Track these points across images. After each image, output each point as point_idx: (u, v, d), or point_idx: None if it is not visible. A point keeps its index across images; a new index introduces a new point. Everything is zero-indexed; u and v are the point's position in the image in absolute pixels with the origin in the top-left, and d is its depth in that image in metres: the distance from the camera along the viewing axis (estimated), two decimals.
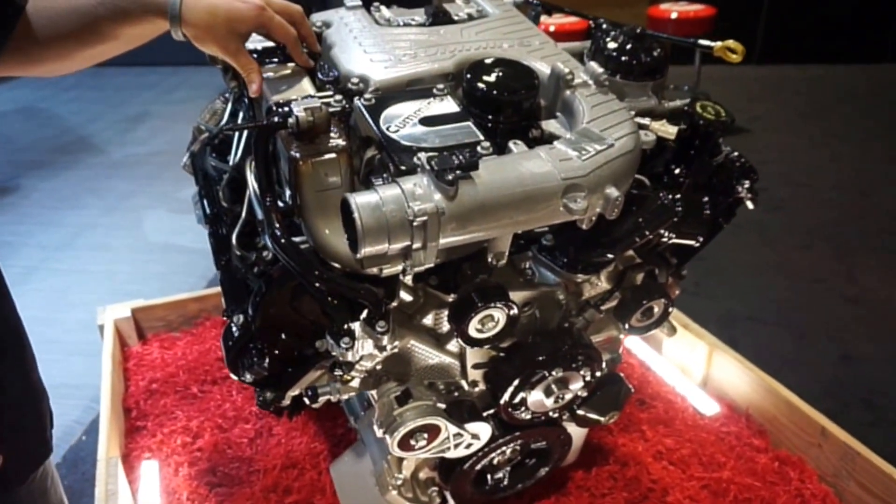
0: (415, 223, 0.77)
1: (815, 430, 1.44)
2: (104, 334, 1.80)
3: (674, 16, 4.71)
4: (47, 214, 3.84)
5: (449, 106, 0.95)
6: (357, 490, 1.23)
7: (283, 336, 0.97)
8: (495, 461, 1.20)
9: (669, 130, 0.99)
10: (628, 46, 1.06)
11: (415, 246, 0.79)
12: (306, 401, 1.00)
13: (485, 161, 0.82)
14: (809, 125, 4.80)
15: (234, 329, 0.97)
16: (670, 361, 1.79)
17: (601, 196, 0.85)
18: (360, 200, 0.77)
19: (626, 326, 1.08)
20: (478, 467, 1.17)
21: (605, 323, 1.14)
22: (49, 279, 3.23)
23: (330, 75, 0.98)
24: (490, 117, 0.95)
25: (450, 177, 0.77)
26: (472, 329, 0.92)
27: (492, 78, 0.95)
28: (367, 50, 1.03)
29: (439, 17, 1.13)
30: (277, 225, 0.85)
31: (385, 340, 0.90)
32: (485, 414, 1.07)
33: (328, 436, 1.57)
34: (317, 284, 0.84)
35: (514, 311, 0.93)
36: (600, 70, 0.98)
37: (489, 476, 1.23)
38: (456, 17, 1.14)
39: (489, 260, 0.93)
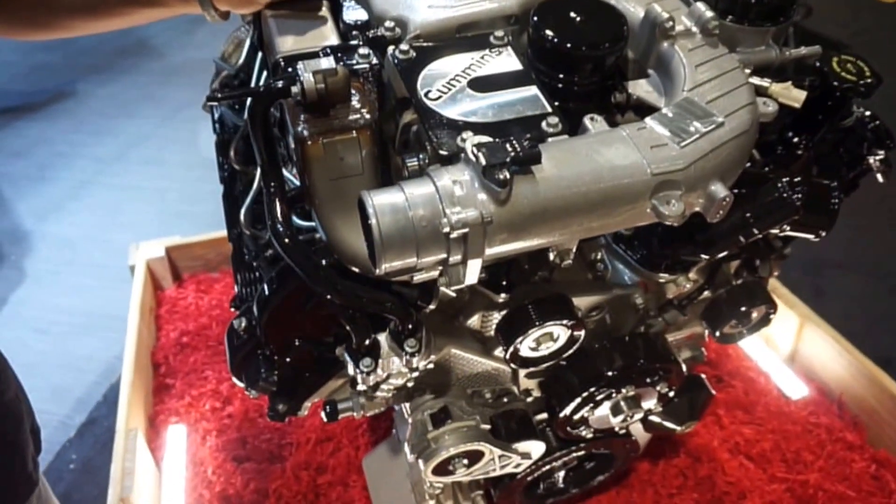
0: (452, 235, 0.57)
1: None
2: (134, 277, 1.68)
3: None
4: (103, 123, 3.73)
5: (509, 62, 0.73)
6: (391, 492, 1.09)
7: (297, 341, 0.80)
8: (549, 470, 1.03)
9: (795, 96, 0.75)
10: None
11: (452, 260, 0.59)
12: (323, 416, 0.84)
13: (550, 147, 0.61)
14: None
15: (237, 332, 0.80)
16: None
17: (703, 195, 0.63)
18: (381, 201, 0.58)
19: (717, 334, 0.87)
20: (530, 479, 1.00)
21: (687, 319, 0.93)
22: (100, 195, 3.06)
23: (357, 18, 0.76)
24: (561, 76, 0.72)
25: (501, 175, 0.56)
26: (526, 348, 0.74)
27: (566, 24, 0.72)
28: None
29: None
30: (281, 219, 0.66)
31: (416, 361, 0.72)
32: (538, 423, 0.89)
33: None
34: (329, 296, 0.66)
35: (579, 330, 0.73)
36: (709, 14, 0.74)
37: (541, 483, 1.07)
38: None
39: (551, 258, 0.73)
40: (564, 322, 0.72)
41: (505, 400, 0.93)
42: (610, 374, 0.82)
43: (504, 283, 0.78)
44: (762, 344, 1.52)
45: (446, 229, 0.56)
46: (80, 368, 2.12)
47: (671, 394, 0.89)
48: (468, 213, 0.57)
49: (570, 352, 0.82)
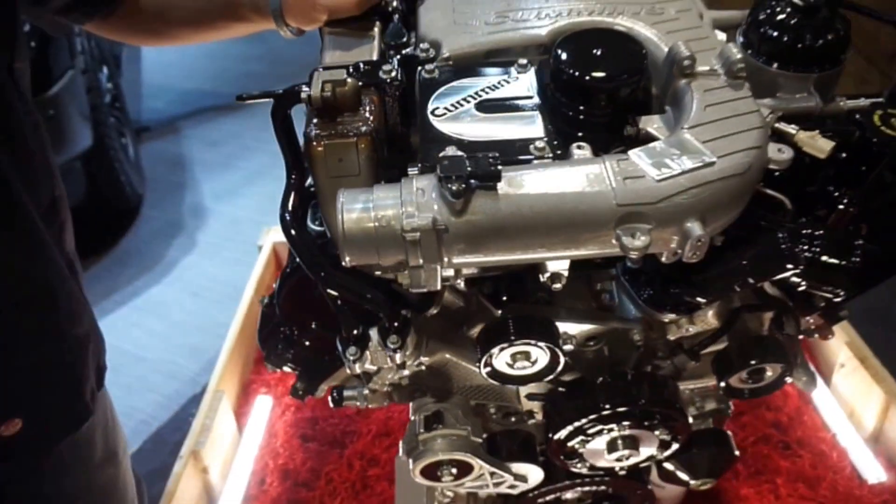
0: (407, 238, 0.57)
1: None
2: (259, 255, 1.80)
3: None
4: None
5: (522, 88, 0.72)
6: (409, 493, 1.08)
7: (313, 324, 0.83)
8: (562, 499, 0.98)
9: (821, 146, 0.67)
10: (792, 22, 0.73)
11: (412, 263, 0.59)
12: (330, 402, 0.86)
13: (524, 168, 0.59)
14: None
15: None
16: (837, 401, 1.40)
17: (678, 232, 0.58)
18: (348, 200, 0.59)
19: (723, 385, 0.79)
20: (541, 501, 0.96)
21: (707, 367, 0.86)
22: (269, 184, 3.07)
23: (396, 39, 0.79)
24: (576, 106, 0.70)
25: (455, 186, 0.56)
26: (502, 362, 0.71)
27: (584, 55, 0.70)
28: (455, 8, 0.81)
29: None
30: (290, 208, 0.69)
31: (399, 357, 0.72)
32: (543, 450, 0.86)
33: None
34: (319, 277, 0.68)
35: (559, 356, 0.70)
36: (737, 56, 0.69)
37: None
38: None
39: (542, 279, 0.71)
40: (540, 344, 0.69)
41: (513, 419, 0.90)
42: (603, 407, 0.77)
43: (503, 297, 0.76)
44: (844, 416, 1.35)
45: (399, 231, 0.57)
46: (218, 334, 2.27)
47: (675, 443, 0.82)
48: (422, 218, 0.57)
49: (558, 377, 0.78)
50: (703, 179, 0.59)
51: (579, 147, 0.64)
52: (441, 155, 0.59)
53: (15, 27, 0.81)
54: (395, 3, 0.83)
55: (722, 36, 0.81)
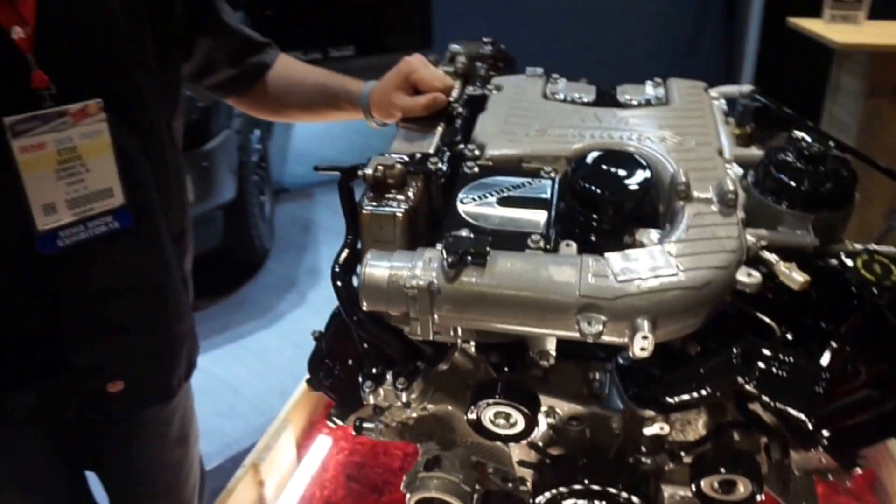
0: (408, 294, 0.71)
1: None
2: None
3: None
4: None
5: (541, 191, 0.84)
6: None
7: (350, 361, 0.96)
8: None
9: (795, 278, 0.74)
10: (797, 166, 0.82)
11: (412, 315, 0.73)
12: (352, 431, 0.98)
13: (509, 254, 0.72)
14: None
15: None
16: None
17: (628, 327, 0.68)
18: (373, 258, 0.74)
19: (693, 488, 0.84)
20: None
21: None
22: None
23: (452, 138, 0.94)
24: (585, 213, 0.82)
25: (450, 258, 0.69)
26: (487, 418, 0.82)
27: (592, 171, 0.83)
28: (506, 120, 0.96)
29: (604, 98, 1.00)
30: (341, 261, 0.85)
31: (404, 397, 0.84)
32: None
33: None
34: (352, 320, 0.82)
35: (534, 423, 0.79)
36: (729, 187, 0.78)
37: None
38: (626, 100, 1.00)
39: (531, 355, 0.81)
40: (520, 408, 0.79)
41: (509, 484, 0.98)
42: (580, 481, 0.85)
43: (504, 366, 0.87)
44: None
45: (402, 286, 0.70)
46: None
47: None
48: (422, 280, 0.70)
49: (545, 450, 0.87)
50: (660, 287, 0.69)
51: (567, 245, 0.76)
52: (449, 233, 0.73)
53: (178, 95, 1.05)
54: (459, 109, 0.99)
55: (738, 170, 0.90)
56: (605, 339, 0.69)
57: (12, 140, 0.83)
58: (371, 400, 0.88)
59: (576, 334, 0.69)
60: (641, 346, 0.67)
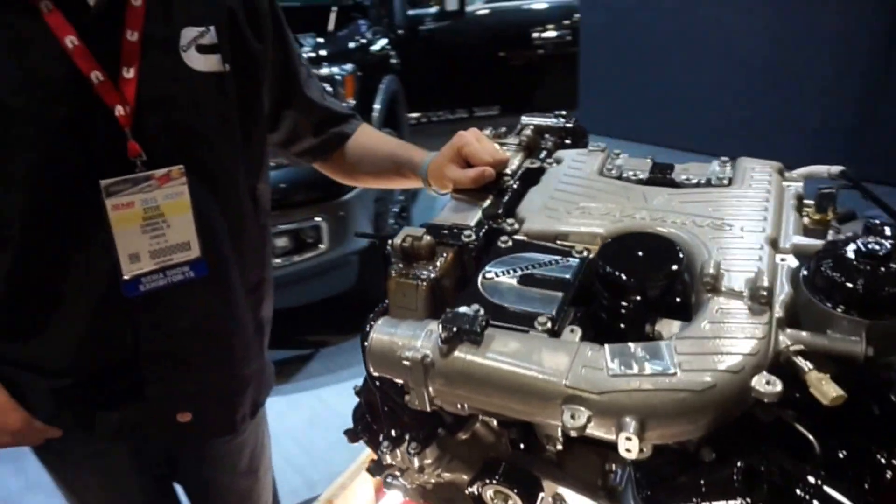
0: (405, 364, 0.73)
1: None
2: None
3: None
4: None
5: (565, 271, 0.83)
6: None
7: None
8: None
9: (825, 392, 0.66)
10: (854, 264, 0.73)
11: (409, 385, 0.74)
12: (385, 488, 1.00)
13: (508, 334, 0.71)
14: None
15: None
16: None
17: (613, 423, 0.64)
18: (382, 324, 0.77)
19: None
20: None
21: None
22: None
23: (494, 210, 0.95)
24: (609, 297, 0.79)
25: (445, 334, 0.70)
26: (487, 495, 0.80)
27: (618, 254, 0.80)
28: (553, 195, 0.95)
29: (657, 177, 0.96)
30: (371, 322, 0.88)
31: (416, 462, 0.85)
32: None
33: None
34: (371, 382, 0.85)
35: None
36: (763, 283, 0.72)
37: None
38: (682, 179, 0.95)
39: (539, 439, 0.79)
40: (516, 492, 0.77)
41: None
42: None
43: (521, 445, 0.85)
44: None
45: (399, 357, 0.72)
46: None
47: None
48: (419, 352, 0.72)
49: None
50: (653, 387, 0.64)
51: (571, 330, 0.73)
52: (449, 309, 0.73)
53: (262, 162, 1.16)
54: (511, 182, 0.99)
55: (794, 262, 0.82)
56: (592, 433, 0.66)
57: (106, 199, 0.96)
58: (388, 460, 0.89)
59: (559, 423, 0.67)
60: (626, 447, 0.64)
